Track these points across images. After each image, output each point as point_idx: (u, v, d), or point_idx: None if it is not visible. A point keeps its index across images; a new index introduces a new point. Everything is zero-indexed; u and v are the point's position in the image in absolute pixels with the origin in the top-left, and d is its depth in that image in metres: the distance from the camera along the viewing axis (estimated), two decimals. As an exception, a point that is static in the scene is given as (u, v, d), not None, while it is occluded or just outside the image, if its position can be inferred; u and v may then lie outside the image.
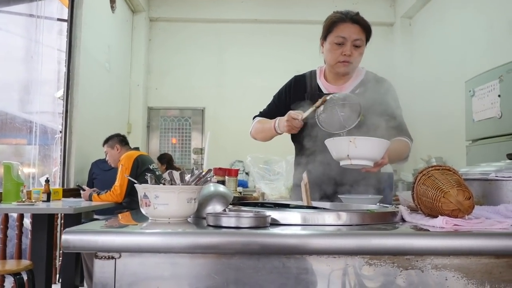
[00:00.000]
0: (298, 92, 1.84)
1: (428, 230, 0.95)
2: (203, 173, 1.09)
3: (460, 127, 4.12)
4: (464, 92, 3.97)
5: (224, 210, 1.10)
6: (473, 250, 0.88)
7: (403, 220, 1.13)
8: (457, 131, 4.25)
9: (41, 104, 4.62)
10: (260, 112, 1.96)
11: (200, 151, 6.79)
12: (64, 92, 4.67)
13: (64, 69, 4.69)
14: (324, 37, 1.77)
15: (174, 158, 6.55)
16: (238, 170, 1.64)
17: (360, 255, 0.88)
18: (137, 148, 4.31)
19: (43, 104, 4.75)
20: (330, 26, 1.73)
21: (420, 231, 0.95)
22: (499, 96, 3.43)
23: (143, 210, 1.04)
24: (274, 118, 1.81)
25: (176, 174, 1.08)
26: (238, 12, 6.73)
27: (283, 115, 1.82)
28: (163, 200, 1.00)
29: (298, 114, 1.58)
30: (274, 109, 1.89)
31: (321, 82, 1.83)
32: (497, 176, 1.17)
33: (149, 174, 1.06)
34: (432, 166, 1.10)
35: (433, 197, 1.01)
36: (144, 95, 6.73)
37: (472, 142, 3.86)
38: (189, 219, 1.07)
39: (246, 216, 0.94)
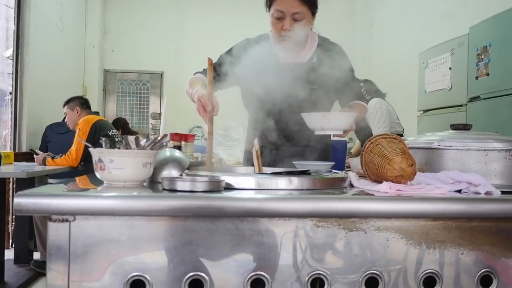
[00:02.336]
0: (254, 58, 1.75)
1: (373, 195, 1.01)
2: (159, 138, 1.10)
3: (413, 98, 4.27)
4: (418, 63, 4.10)
5: (181, 175, 1.12)
6: (413, 213, 0.95)
7: (351, 185, 1.19)
8: (410, 101, 4.40)
9: (-12, 64, 4.40)
10: (205, 69, 1.80)
11: (158, 116, 6.71)
12: (13, 51, 4.44)
13: (13, 27, 4.45)
14: (268, 9, 1.73)
15: (132, 123, 6.45)
16: (194, 135, 1.66)
17: (309, 218, 0.93)
18: (97, 113, 4.20)
19: (-9, 63, 4.52)
20: (269, 0, 1.70)
21: (365, 195, 1.01)
22: (450, 68, 3.57)
23: (98, 174, 1.04)
24: (218, 77, 1.73)
25: (131, 139, 1.08)
26: (199, -27, 6.56)
27: (228, 76, 1.75)
28: (118, 164, 1.01)
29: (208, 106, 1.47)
30: (219, 69, 1.77)
31: (279, 48, 1.79)
32: (439, 145, 1.24)
33: (103, 138, 1.06)
34: (380, 135, 1.15)
35: (379, 164, 1.07)
36: (100, 57, 6.50)
37: (423, 112, 4.02)
38: (144, 184, 1.09)
39: (201, 180, 0.97)
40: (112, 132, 3.92)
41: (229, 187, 1.04)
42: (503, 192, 1.07)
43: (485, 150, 1.20)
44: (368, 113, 3.47)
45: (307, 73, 1.74)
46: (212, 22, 6.54)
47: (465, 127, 1.37)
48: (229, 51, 1.84)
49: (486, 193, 1.05)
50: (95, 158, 1.03)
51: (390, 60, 5.83)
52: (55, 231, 0.89)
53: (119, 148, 1.05)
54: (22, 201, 0.86)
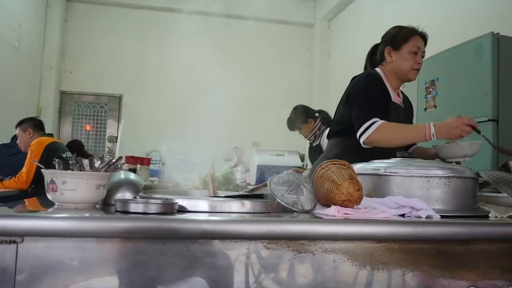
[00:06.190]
0: (386, 93, 1.99)
1: (322, 218, 1.05)
2: (114, 160, 1.10)
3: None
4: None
5: (134, 197, 1.12)
6: (358, 236, 1.00)
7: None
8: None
9: None
10: (376, 114, 1.87)
11: (115, 139, 6.61)
12: (-35, 69, 4.30)
13: (-35, 45, 4.33)
14: (397, 46, 1.97)
15: (88, 146, 6.31)
16: (150, 159, 1.66)
17: (259, 240, 0.96)
18: (51, 135, 4.10)
19: None
20: (408, 36, 1.96)
21: (314, 218, 1.05)
22: (401, 100, 3.74)
23: (49, 196, 1.03)
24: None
25: (85, 161, 1.08)
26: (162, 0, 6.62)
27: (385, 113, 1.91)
28: (71, 185, 1.01)
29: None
30: (383, 108, 1.91)
31: (389, 87, 2.00)
32: (385, 172, 1.31)
33: (57, 160, 1.05)
34: (330, 161, 1.21)
35: (328, 188, 1.12)
36: (57, 79, 6.39)
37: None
38: (97, 206, 1.09)
39: (154, 202, 0.98)
40: (66, 154, 3.82)
41: (183, 210, 1.05)
42: (442, 216, 1.14)
43: (427, 176, 1.27)
44: (324, 142, 3.58)
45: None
46: (173, 47, 6.57)
47: (410, 155, 1.45)
48: (376, 86, 2.01)
49: (427, 217, 1.11)
50: (47, 180, 1.03)
51: (346, 90, 6.03)
52: (1, 253, 0.87)
53: (72, 169, 1.05)
54: (-33, 221, 0.84)
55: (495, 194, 1.49)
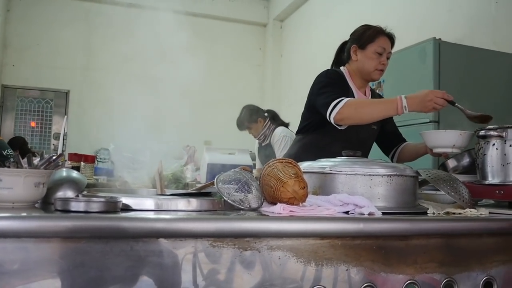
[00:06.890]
0: (348, 89, 1.98)
1: (268, 216, 1.06)
2: (54, 157, 1.06)
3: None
4: (322, 94, 4.36)
5: (77, 196, 1.09)
6: (302, 233, 1.02)
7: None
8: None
9: None
10: (342, 96, 1.86)
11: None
12: None
13: None
14: (362, 45, 1.97)
15: (32, 143, 6.05)
16: (95, 156, 1.61)
17: (205, 238, 0.96)
18: (-11, 131, 3.89)
19: None
20: (374, 36, 1.96)
21: (259, 216, 1.06)
22: (349, 100, 3.85)
23: (-17, 195, 0.98)
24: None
25: (24, 158, 1.04)
26: (111, -7, 6.43)
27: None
28: (7, 183, 0.96)
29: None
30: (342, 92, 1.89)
31: (352, 85, 2.00)
32: (331, 170, 1.34)
33: (-8, 157, 1.00)
34: (276, 159, 1.22)
35: (274, 186, 1.14)
36: (-3, 72, 6.07)
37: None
38: (36, 205, 1.04)
39: (96, 200, 0.96)
40: (8, 152, 3.63)
41: (127, 208, 1.03)
42: (384, 213, 1.19)
43: (370, 175, 1.32)
44: (274, 141, 3.61)
45: None
46: (123, 42, 6.41)
47: (355, 153, 1.49)
48: (334, 77, 2.06)
49: (369, 214, 1.15)
50: (-20, 178, 0.97)
51: (298, 89, 6.14)
52: None
53: (9, 166, 1.00)
54: None
55: (434, 192, 1.57)
